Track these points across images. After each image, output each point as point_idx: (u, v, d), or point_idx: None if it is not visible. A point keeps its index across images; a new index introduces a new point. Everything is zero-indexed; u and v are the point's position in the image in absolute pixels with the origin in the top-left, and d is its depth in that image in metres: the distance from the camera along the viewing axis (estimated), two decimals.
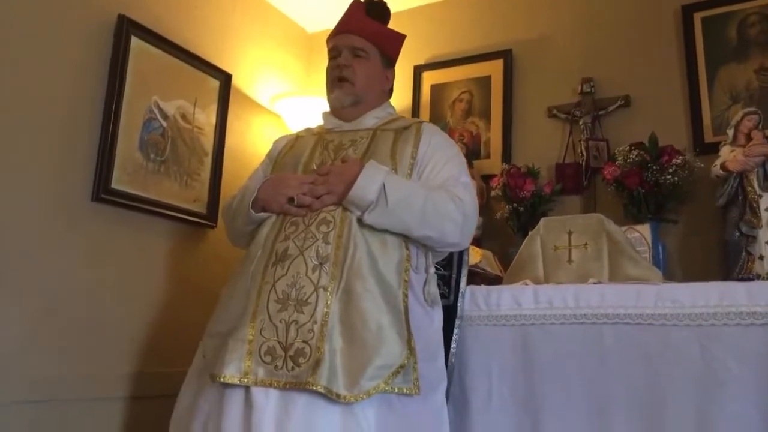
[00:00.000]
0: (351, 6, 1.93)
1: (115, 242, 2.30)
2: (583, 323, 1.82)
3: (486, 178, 2.80)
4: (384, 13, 1.96)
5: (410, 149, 1.74)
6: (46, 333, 2.06)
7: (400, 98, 3.20)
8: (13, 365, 1.95)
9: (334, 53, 1.91)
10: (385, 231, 1.61)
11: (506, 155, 2.86)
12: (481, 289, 1.99)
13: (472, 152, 2.89)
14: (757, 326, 1.63)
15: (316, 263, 1.53)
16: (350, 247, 1.55)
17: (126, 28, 2.35)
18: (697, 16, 2.61)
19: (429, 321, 1.67)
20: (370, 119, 1.88)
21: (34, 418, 1.98)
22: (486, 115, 2.98)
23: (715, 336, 1.66)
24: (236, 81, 2.89)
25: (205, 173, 2.68)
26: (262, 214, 1.69)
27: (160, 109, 2.49)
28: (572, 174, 2.67)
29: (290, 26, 3.36)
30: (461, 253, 1.95)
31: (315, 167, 1.74)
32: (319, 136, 1.88)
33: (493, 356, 1.89)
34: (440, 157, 1.76)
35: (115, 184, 2.28)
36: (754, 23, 2.53)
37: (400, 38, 1.98)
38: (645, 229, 2.31)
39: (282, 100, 3.06)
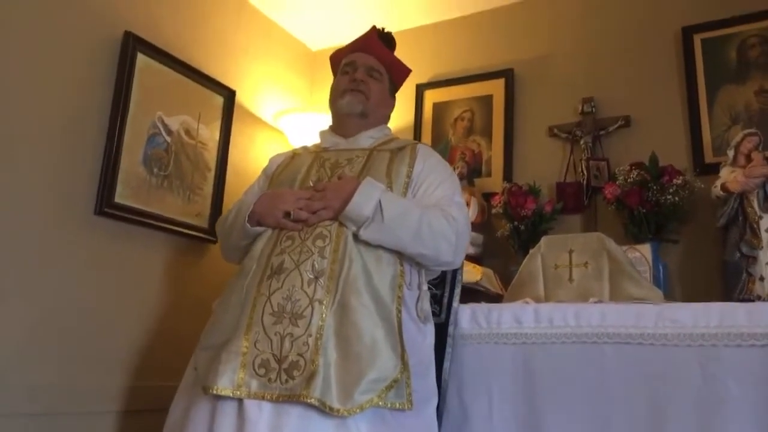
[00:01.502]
0: (369, 30, 2.00)
1: (117, 256, 2.31)
2: (584, 342, 1.81)
3: (487, 197, 2.81)
4: (392, 44, 2.06)
5: (405, 168, 1.78)
6: (46, 345, 2.06)
7: (403, 116, 3.22)
8: (12, 377, 1.94)
9: (349, 68, 1.95)
10: (380, 247, 1.62)
11: (507, 174, 2.87)
12: (482, 308, 1.99)
13: (474, 170, 2.90)
14: (757, 347, 1.63)
15: (312, 277, 1.55)
16: (346, 262, 1.57)
17: (132, 45, 2.38)
18: (697, 38, 2.63)
19: (422, 337, 1.68)
20: (367, 139, 1.91)
21: (33, 430, 1.97)
22: (487, 133, 2.99)
23: (716, 357, 1.66)
24: (240, 97, 2.91)
25: (208, 188, 2.69)
26: (257, 228, 1.71)
27: (164, 125, 2.51)
28: (573, 193, 2.68)
29: (294, 44, 3.39)
30: (454, 272, 1.97)
31: (312, 184, 1.76)
32: (315, 154, 1.91)
33: (494, 375, 1.89)
34: (435, 178, 1.79)
35: (119, 199, 2.29)
36: (754, 45, 2.55)
37: (407, 72, 2.09)
38: (645, 249, 2.32)
39: (285, 116, 3.08)
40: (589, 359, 1.79)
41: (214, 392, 1.44)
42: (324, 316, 1.50)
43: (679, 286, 2.43)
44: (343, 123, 1.94)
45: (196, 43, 2.73)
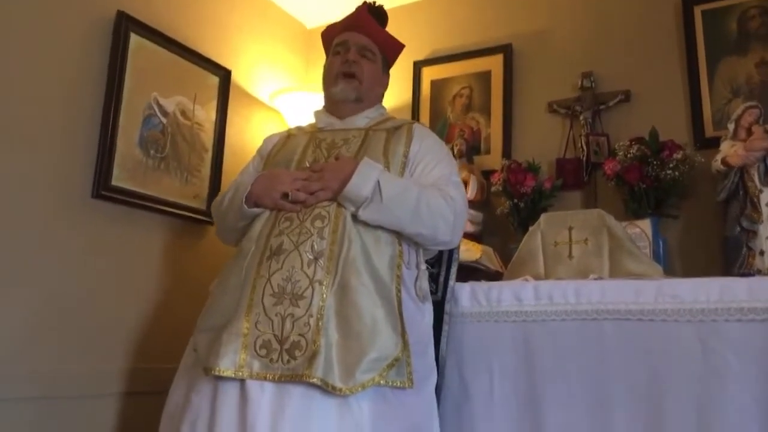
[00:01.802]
0: (360, 7, 1.96)
1: (115, 239, 2.30)
2: (584, 319, 1.82)
3: (486, 174, 2.79)
4: (384, 19, 2.02)
5: (402, 148, 1.77)
6: (46, 329, 2.06)
7: (400, 94, 3.19)
8: (13, 361, 1.95)
9: (341, 48, 1.93)
10: (378, 227, 1.63)
11: (506, 151, 2.85)
12: (482, 286, 1.99)
13: (473, 148, 2.88)
14: (757, 322, 1.63)
15: (311, 258, 1.55)
16: (345, 243, 1.57)
17: (125, 25, 2.35)
18: (698, 10, 2.60)
19: (420, 316, 1.70)
20: (362, 119, 1.91)
21: (34, 414, 1.99)
22: (486, 110, 2.97)
23: (716, 331, 1.66)
24: (236, 77, 2.89)
25: (205, 169, 2.68)
26: (255, 209, 1.70)
27: (160, 106, 2.49)
28: (573, 169, 2.67)
29: (289, 22, 3.35)
30: (451, 251, 1.97)
31: (308, 165, 1.75)
32: (311, 134, 1.90)
33: (494, 353, 1.89)
34: (432, 157, 1.79)
35: (115, 181, 2.28)
36: (754, 16, 2.52)
37: (400, 48, 2.06)
38: (645, 225, 2.31)
39: (281, 95, 3.05)
40: (589, 336, 1.79)
41: (216, 373, 1.44)
42: (324, 296, 1.50)
43: (679, 262, 2.42)
44: (337, 107, 1.93)
45: (191, 22, 2.69)
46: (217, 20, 2.85)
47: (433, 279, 1.93)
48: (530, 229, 2.23)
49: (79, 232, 2.18)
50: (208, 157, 2.70)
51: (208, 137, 2.70)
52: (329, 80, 1.93)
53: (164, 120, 2.51)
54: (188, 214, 2.57)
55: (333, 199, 1.63)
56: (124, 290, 2.31)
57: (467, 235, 2.61)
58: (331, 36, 2.00)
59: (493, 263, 2.43)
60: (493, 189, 2.72)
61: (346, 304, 1.50)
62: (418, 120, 3.10)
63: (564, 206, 2.62)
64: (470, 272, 2.37)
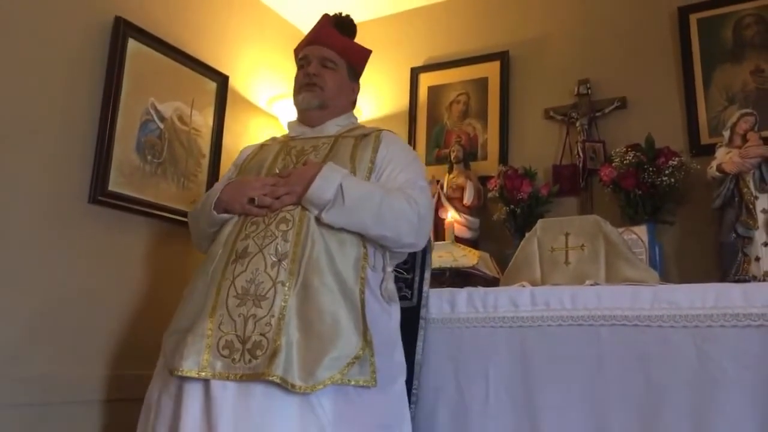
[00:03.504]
0: (321, 19, 2.01)
1: (112, 244, 2.30)
2: (580, 325, 1.82)
3: (483, 180, 2.80)
4: (351, 29, 2.05)
5: (369, 154, 1.81)
6: (42, 335, 2.05)
7: (398, 100, 3.21)
8: (8, 367, 1.94)
9: (303, 62, 1.98)
10: (343, 230, 1.66)
11: (503, 157, 2.86)
12: (479, 291, 2.00)
13: (470, 154, 2.89)
14: (753, 328, 1.63)
15: (275, 260, 1.58)
16: (308, 244, 1.60)
17: (123, 30, 2.35)
18: (693, 18, 2.62)
19: (387, 317, 1.72)
20: (333, 127, 1.95)
21: (27, 420, 1.97)
22: (483, 116, 2.98)
23: (711, 337, 1.66)
24: (233, 83, 2.89)
25: (203, 175, 2.68)
26: (223, 215, 1.75)
27: (157, 111, 2.49)
28: (569, 175, 2.68)
29: (287, 28, 3.36)
30: (424, 257, 1.99)
31: (277, 171, 1.80)
32: (283, 143, 1.95)
33: (491, 358, 1.89)
34: (398, 163, 1.82)
35: (112, 186, 2.28)
36: (749, 24, 2.54)
37: (366, 53, 2.08)
38: (642, 231, 2.32)
39: (279, 101, 3.06)
40: (585, 341, 1.80)
41: (179, 374, 1.49)
42: (287, 297, 1.53)
43: (676, 268, 2.43)
44: (305, 116, 1.98)
45: (188, 28, 2.70)
46: (215, 26, 2.86)
47: (408, 285, 1.97)
48: (527, 235, 2.23)
49: (76, 238, 2.18)
50: (206, 162, 2.70)
51: (205, 143, 2.71)
52: (294, 92, 1.99)
53: (161, 125, 2.51)
54: (185, 219, 2.55)
55: (298, 203, 1.67)
56: (121, 295, 2.31)
57: (464, 241, 2.62)
58: (298, 51, 2.05)
59: (490, 269, 2.44)
60: (489, 195, 2.73)
61: (308, 304, 1.53)
62: (414, 121, 3.11)
63: (560, 212, 2.62)
64: (467, 278, 2.38)
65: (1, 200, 1.97)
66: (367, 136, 1.87)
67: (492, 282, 2.33)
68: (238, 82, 2.95)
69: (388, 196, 1.69)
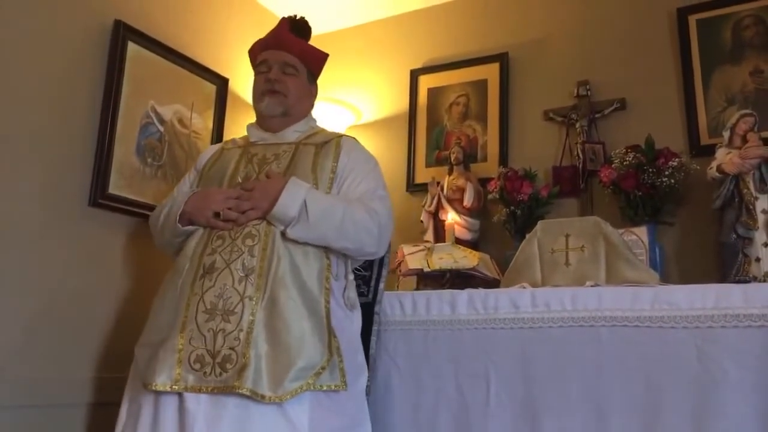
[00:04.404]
0: (279, 23, 2.02)
1: (112, 247, 2.30)
2: (581, 326, 1.82)
3: (483, 182, 2.80)
4: (307, 31, 2.06)
5: (330, 163, 1.84)
6: (42, 337, 2.05)
7: (397, 102, 3.21)
8: (7, 369, 1.94)
9: (263, 68, 1.98)
10: (307, 243, 1.70)
11: (503, 158, 2.86)
12: (479, 293, 2.00)
13: (469, 156, 2.89)
14: (753, 328, 1.64)
15: (242, 275, 1.63)
16: (274, 259, 1.65)
17: (122, 34, 2.35)
18: (692, 19, 2.62)
19: (349, 323, 1.79)
20: (292, 133, 1.97)
21: (25, 422, 1.97)
22: (483, 118, 2.98)
23: (712, 338, 1.67)
24: (233, 85, 2.89)
25: None
26: (188, 227, 1.77)
27: (157, 114, 2.49)
28: (569, 177, 2.68)
29: None
30: (382, 257, 2.02)
31: (240, 180, 1.82)
32: (244, 148, 1.96)
33: (491, 360, 1.89)
34: (358, 172, 1.87)
35: (113, 189, 2.28)
36: (748, 25, 2.54)
37: (324, 57, 2.09)
38: (642, 232, 2.32)
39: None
40: (586, 342, 1.80)
41: (153, 389, 1.53)
42: (254, 311, 1.58)
43: (676, 269, 2.43)
44: (267, 122, 1.98)
45: (188, 31, 2.70)
46: (215, 29, 2.86)
47: (365, 282, 2.03)
48: (527, 236, 2.23)
49: (76, 240, 2.18)
50: None
51: (205, 145, 2.70)
52: (255, 97, 1.99)
53: (161, 128, 2.51)
54: None
55: (263, 218, 1.70)
56: (120, 298, 2.30)
57: (464, 243, 2.62)
58: (255, 54, 2.05)
59: (490, 270, 2.44)
60: (489, 196, 2.73)
61: (275, 318, 1.58)
62: (414, 123, 3.11)
63: (560, 214, 2.62)
64: (467, 279, 2.38)
65: (1, 203, 1.97)
66: (327, 144, 1.89)
67: (492, 283, 2.33)
68: (238, 85, 2.95)
69: (349, 209, 1.73)
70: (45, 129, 2.11)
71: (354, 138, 2.00)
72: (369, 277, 2.04)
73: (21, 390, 1.96)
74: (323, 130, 2.03)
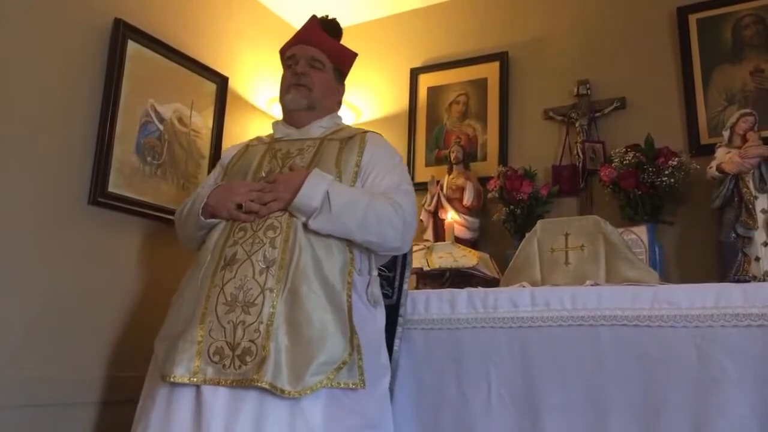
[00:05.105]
0: (309, 20, 2.02)
1: (112, 246, 2.30)
2: (581, 325, 1.82)
3: (483, 181, 2.80)
4: (338, 31, 2.06)
5: (354, 158, 1.82)
6: (42, 336, 2.05)
7: (397, 101, 3.21)
8: (8, 367, 1.94)
9: (291, 62, 1.98)
10: (329, 236, 1.68)
11: (503, 157, 2.86)
12: (479, 292, 1.99)
13: (469, 155, 2.89)
14: (753, 327, 1.63)
15: (263, 266, 1.60)
16: (296, 251, 1.62)
17: (122, 32, 2.35)
18: (692, 18, 2.62)
19: (372, 319, 1.75)
20: (317, 129, 1.95)
21: (26, 421, 1.97)
22: (482, 117, 2.98)
23: (712, 337, 1.66)
24: (233, 84, 2.89)
25: (202, 176, 2.67)
26: (211, 220, 1.76)
27: (157, 113, 2.49)
28: (569, 176, 2.68)
29: (286, 29, 3.35)
30: (404, 255, 2.00)
31: (264, 175, 1.81)
32: (268, 145, 1.95)
33: (491, 359, 1.89)
34: (383, 167, 1.84)
35: (112, 188, 2.28)
36: (748, 25, 2.54)
37: (353, 56, 2.08)
38: (641, 231, 2.32)
39: (279, 102, 3.05)
40: (585, 342, 1.80)
41: (171, 380, 1.51)
42: (275, 303, 1.55)
43: (676, 268, 2.43)
44: (292, 116, 1.98)
45: (188, 29, 2.70)
46: (215, 27, 2.86)
47: (389, 282, 1.99)
48: (527, 235, 2.23)
49: (76, 239, 2.18)
50: (205, 163, 2.70)
51: (204, 144, 2.71)
52: (282, 91, 1.99)
53: (161, 127, 2.51)
54: None
55: (285, 210, 1.68)
56: (120, 297, 2.31)
57: (464, 242, 2.62)
58: (285, 51, 2.05)
59: (490, 269, 2.44)
60: (489, 195, 2.73)
61: (296, 311, 1.55)
62: (414, 122, 3.11)
63: (560, 213, 2.63)
64: (467, 278, 2.38)
65: (1, 201, 1.97)
66: (352, 139, 1.88)
67: (492, 282, 2.33)
68: (237, 84, 2.95)
69: (373, 201, 1.71)
70: (44, 127, 2.11)
71: (380, 134, 1.98)
72: (393, 278, 1.99)
73: (21, 389, 1.96)
74: (348, 127, 2.02)
